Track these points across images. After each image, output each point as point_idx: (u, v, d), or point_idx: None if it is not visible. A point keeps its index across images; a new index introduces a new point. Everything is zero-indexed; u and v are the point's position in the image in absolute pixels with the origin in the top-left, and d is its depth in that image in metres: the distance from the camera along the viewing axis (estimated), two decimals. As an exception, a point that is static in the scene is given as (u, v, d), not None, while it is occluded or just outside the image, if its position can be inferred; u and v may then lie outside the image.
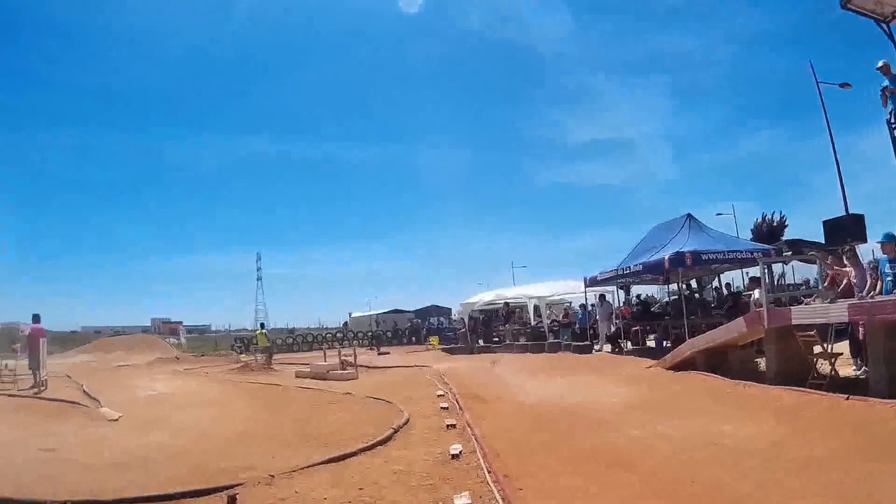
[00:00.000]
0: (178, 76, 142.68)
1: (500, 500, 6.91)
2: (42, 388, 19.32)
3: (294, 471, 8.57)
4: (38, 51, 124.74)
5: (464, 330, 38.72)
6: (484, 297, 38.09)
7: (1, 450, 10.72)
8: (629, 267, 22.65)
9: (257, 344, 34.27)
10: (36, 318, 21.36)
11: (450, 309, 61.34)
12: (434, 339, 42.58)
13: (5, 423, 13.68)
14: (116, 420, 14.36)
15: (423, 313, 61.52)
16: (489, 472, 8.06)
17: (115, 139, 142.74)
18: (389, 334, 53.28)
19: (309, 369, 24.80)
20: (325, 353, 30.00)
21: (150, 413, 15.65)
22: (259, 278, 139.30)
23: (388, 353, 38.79)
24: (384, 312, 68.13)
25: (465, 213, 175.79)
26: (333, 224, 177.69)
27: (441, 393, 16.52)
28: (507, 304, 35.99)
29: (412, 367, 26.82)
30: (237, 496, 5.13)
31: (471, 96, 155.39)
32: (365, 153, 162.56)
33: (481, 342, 36.34)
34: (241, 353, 43.71)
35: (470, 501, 6.82)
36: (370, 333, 53.87)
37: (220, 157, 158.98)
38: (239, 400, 18.41)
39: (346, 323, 78.18)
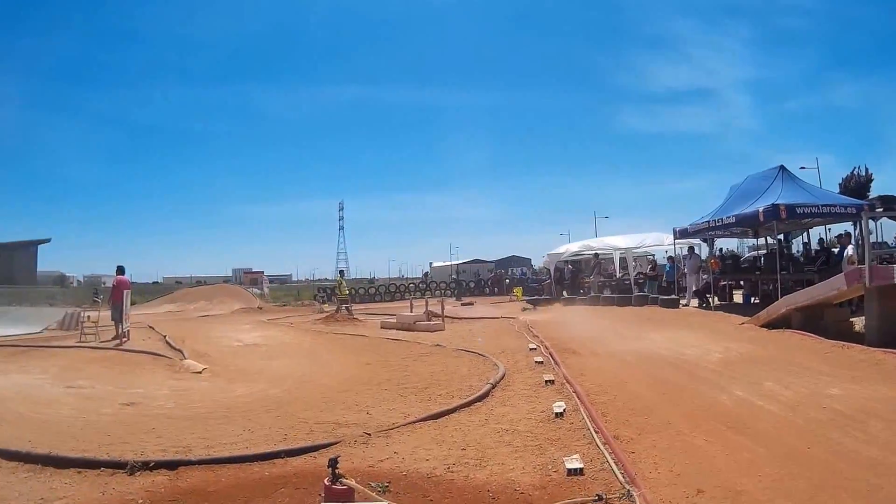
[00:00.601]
0: (268, 30, 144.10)
1: (614, 464, 6.66)
2: (124, 340, 19.28)
3: (391, 428, 8.49)
4: (134, 7, 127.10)
5: (548, 281, 38.18)
6: (570, 247, 37.46)
7: (82, 404, 10.74)
8: (721, 219, 22.09)
9: (339, 293, 34.19)
10: (120, 270, 21.64)
11: (529, 259, 61.09)
12: (518, 290, 41.98)
13: (86, 375, 13.68)
14: (200, 372, 14.32)
15: (504, 264, 61.31)
16: (597, 433, 7.85)
17: (202, 92, 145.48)
18: (472, 284, 52.91)
19: (395, 320, 24.61)
20: (411, 304, 29.54)
21: (236, 364, 15.67)
22: (341, 227, 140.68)
23: (472, 303, 38.51)
24: (465, 262, 68.32)
25: (547, 160, 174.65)
26: (414, 173, 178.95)
27: (533, 346, 16.23)
28: (596, 254, 35.36)
29: (499, 318, 26.53)
30: (338, 459, 4.87)
31: (554, 40, 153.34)
32: (446, 99, 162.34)
33: (566, 294, 35.97)
34: (323, 302, 43.66)
35: (581, 465, 6.58)
36: (452, 283, 53.58)
37: (304, 106, 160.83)
38: (328, 352, 18.06)
39: (426, 273, 78.01)
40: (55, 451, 7.29)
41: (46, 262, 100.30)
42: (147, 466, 6.87)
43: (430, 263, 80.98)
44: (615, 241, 35.28)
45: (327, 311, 33.57)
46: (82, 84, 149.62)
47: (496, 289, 51.36)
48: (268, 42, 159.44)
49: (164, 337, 19.96)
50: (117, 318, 20.02)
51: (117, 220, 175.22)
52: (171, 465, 6.94)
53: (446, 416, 9.13)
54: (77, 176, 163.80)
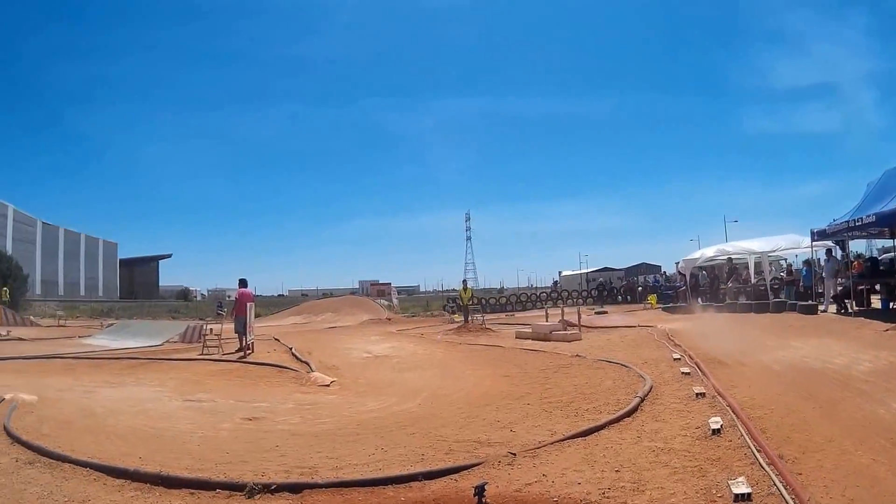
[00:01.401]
0: (387, 46, 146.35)
1: (783, 488, 5.76)
2: (248, 352, 19.10)
3: (538, 447, 7.69)
4: (247, 30, 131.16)
5: (683, 287, 36.67)
6: (705, 252, 35.59)
7: (199, 419, 10.41)
8: (861, 218, 20.24)
9: (461, 301, 33.85)
10: (243, 283, 21.49)
11: (659, 266, 59.31)
12: (652, 298, 40.56)
13: (207, 389, 13.48)
14: (328, 385, 13.88)
15: (633, 271, 59.57)
16: (759, 451, 6.89)
17: (326, 110, 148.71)
18: (605, 293, 51.57)
19: (530, 330, 23.53)
20: (546, 313, 28.71)
21: (366, 377, 15.14)
22: (468, 238, 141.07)
23: (606, 311, 37.10)
24: (595, 270, 66.79)
25: (674, 166, 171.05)
26: (540, 182, 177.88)
27: (677, 356, 15.12)
28: (730, 259, 34.10)
29: (636, 326, 25.15)
30: (486, 485, 4.12)
31: (671, 41, 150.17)
32: (569, 107, 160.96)
33: (701, 301, 34.46)
34: (453, 313, 42.83)
35: (749, 490, 5.69)
36: (584, 292, 52.36)
37: (428, 118, 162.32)
38: (462, 363, 17.18)
39: (556, 281, 77.77)
40: (166, 470, 6.84)
41: (170, 278, 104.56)
42: (268, 489, 6.35)
43: (560, 272, 79.44)
44: (749, 245, 33.35)
45: (458, 322, 32.84)
46: (205, 104, 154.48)
47: (628, 296, 49.79)
48: (391, 57, 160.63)
49: (290, 349, 19.73)
50: (241, 330, 19.83)
51: (242, 235, 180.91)
52: (295, 489, 6.40)
53: (595, 433, 8.33)
54: (201, 192, 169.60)
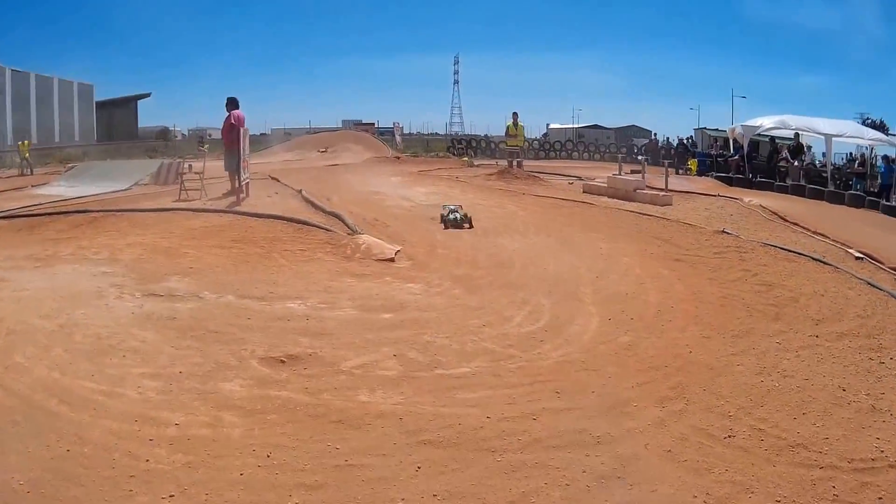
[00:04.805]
0: None
1: None
2: (242, 196, 13.23)
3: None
4: None
5: (736, 157, 31.17)
6: (764, 122, 30.10)
7: (170, 366, 5.19)
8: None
9: (506, 144, 27.64)
10: (233, 103, 14.36)
11: (651, 131, 54.91)
12: (693, 163, 35.73)
13: (187, 266, 8.24)
14: (393, 259, 8.65)
15: (624, 132, 55.38)
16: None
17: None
18: (625, 150, 45.81)
19: (603, 184, 18.86)
20: (620, 167, 22.97)
21: (437, 242, 10.01)
22: (456, 81, 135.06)
23: (640, 171, 31.71)
24: (585, 126, 62.03)
25: (669, 32, 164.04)
26: (533, 29, 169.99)
27: (858, 255, 10.91)
28: (797, 134, 28.45)
29: (717, 196, 19.96)
30: None
31: None
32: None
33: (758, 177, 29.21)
34: (461, 155, 37.71)
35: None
36: (617, 148, 46.77)
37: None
38: (565, 225, 12.44)
39: (545, 134, 72.62)
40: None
41: (149, 118, 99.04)
42: None
43: (548, 125, 74.71)
44: (817, 123, 28.20)
45: (473, 165, 28.55)
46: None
47: (648, 158, 44.50)
48: None
49: (300, 192, 13.69)
50: (233, 167, 13.74)
51: (223, 72, 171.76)
52: None
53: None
54: (179, 28, 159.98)
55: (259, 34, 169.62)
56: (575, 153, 43.51)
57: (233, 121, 13.98)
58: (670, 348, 5.86)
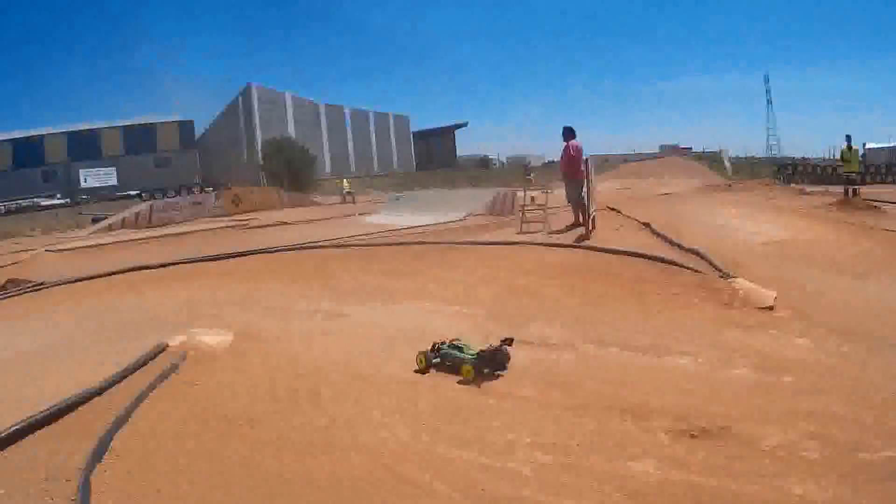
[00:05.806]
0: None
1: None
2: (591, 230, 12.42)
3: None
4: None
5: None
6: None
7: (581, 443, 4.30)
8: None
9: (845, 170, 24.49)
10: (569, 133, 13.95)
11: None
12: None
13: (548, 307, 7.66)
14: (772, 307, 7.34)
15: None
16: None
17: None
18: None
19: None
20: None
21: (814, 289, 8.32)
22: (769, 101, 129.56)
23: None
24: (911, 145, 54.34)
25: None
26: (838, 37, 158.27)
27: None
28: None
29: None
30: None
31: None
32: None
33: None
34: (787, 182, 34.87)
35: None
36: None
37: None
38: None
39: (862, 155, 66.48)
40: None
41: (467, 147, 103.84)
42: None
43: (864, 144, 68.54)
44: None
45: (810, 193, 24.97)
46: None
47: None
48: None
49: (648, 226, 12.66)
50: (575, 198, 13.36)
51: (535, 101, 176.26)
52: None
53: None
54: (493, 60, 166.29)
55: (574, 64, 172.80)
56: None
57: (572, 151, 13.64)
58: None
